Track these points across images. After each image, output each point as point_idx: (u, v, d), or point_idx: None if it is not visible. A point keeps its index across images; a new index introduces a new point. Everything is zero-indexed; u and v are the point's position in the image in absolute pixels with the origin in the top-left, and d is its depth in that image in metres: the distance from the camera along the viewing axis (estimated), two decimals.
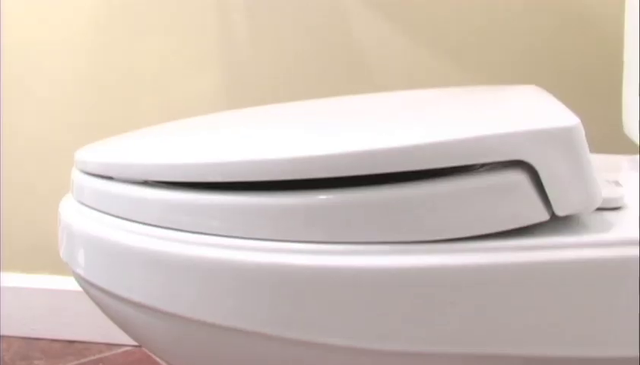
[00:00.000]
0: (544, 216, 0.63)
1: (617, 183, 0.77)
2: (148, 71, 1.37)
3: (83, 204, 0.81)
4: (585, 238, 0.64)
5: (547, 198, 0.63)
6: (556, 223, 0.65)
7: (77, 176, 0.82)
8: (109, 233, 0.75)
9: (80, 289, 0.84)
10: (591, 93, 1.27)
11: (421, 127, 0.70)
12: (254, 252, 0.65)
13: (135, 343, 1.21)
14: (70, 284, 1.47)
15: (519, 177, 0.62)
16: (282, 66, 1.34)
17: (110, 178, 0.76)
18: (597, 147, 1.23)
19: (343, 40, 1.31)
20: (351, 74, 1.32)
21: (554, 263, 0.62)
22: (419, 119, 0.76)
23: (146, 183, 0.73)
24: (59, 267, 1.49)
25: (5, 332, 1.54)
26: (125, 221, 0.74)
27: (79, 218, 0.80)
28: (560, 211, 0.64)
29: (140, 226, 0.72)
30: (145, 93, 1.37)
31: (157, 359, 0.83)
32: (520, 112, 0.74)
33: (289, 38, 1.33)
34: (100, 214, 0.77)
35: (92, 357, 1.44)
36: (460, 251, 0.62)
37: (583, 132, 0.65)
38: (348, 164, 0.62)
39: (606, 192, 0.70)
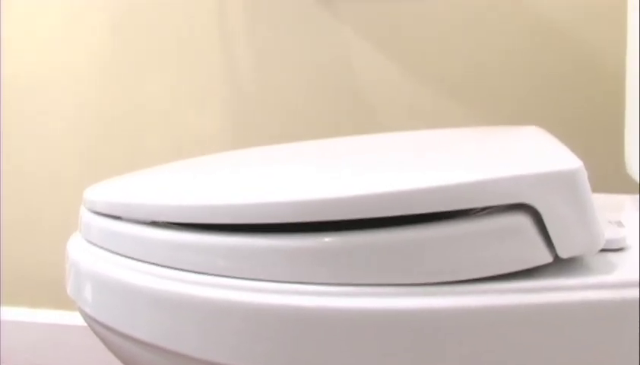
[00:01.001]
0: (547, 258, 0.64)
1: (620, 223, 0.78)
2: (154, 106, 1.38)
3: (90, 242, 0.81)
4: (588, 280, 0.64)
5: (550, 240, 0.64)
6: (560, 264, 0.66)
7: (85, 215, 0.83)
8: (116, 271, 0.75)
9: (84, 324, 0.84)
10: (593, 131, 1.28)
11: (424, 170, 0.71)
12: (259, 293, 0.66)
13: None
14: (74, 319, 1.47)
15: (522, 220, 0.63)
16: (287, 104, 1.35)
17: (118, 218, 0.77)
18: (599, 185, 1.24)
19: (348, 79, 1.33)
20: (356, 113, 1.33)
21: (557, 305, 0.63)
22: (422, 161, 0.77)
23: (153, 223, 0.74)
24: (64, 302, 1.50)
25: None
26: (131, 260, 0.75)
27: (86, 256, 0.80)
28: (563, 254, 0.64)
29: (147, 265, 0.73)
30: (151, 128, 1.39)
31: None
32: (522, 154, 0.75)
33: (295, 76, 1.34)
34: (108, 252, 0.78)
35: None
36: (464, 293, 0.63)
37: (585, 175, 0.65)
38: (353, 208, 0.63)
39: (608, 233, 0.70)
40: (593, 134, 1.28)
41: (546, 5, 1.27)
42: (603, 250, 0.68)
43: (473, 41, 1.29)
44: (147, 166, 1.39)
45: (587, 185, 0.65)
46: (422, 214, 0.63)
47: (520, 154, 0.75)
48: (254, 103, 1.36)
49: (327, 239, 0.65)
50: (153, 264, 0.73)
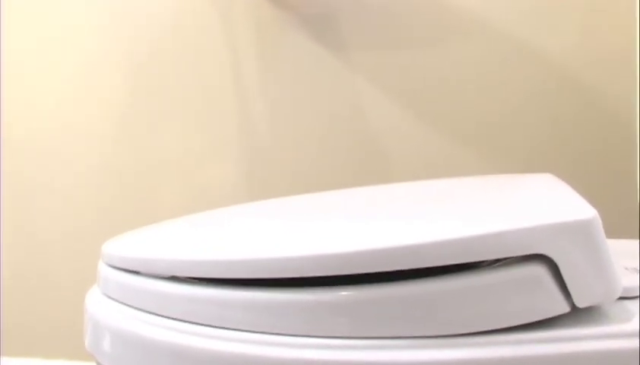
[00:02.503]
0: (565, 308, 0.64)
1: (636, 270, 0.78)
2: (168, 159, 1.40)
3: (109, 296, 0.82)
4: (606, 329, 0.64)
5: (567, 290, 0.64)
6: (577, 314, 0.66)
7: (103, 269, 0.84)
8: (135, 326, 0.76)
9: None
10: (606, 175, 1.28)
11: (440, 222, 0.71)
12: (278, 347, 0.66)
13: None
14: None
15: (539, 271, 0.63)
16: (301, 154, 1.36)
17: (136, 272, 0.78)
18: (614, 230, 1.24)
19: (361, 129, 1.34)
20: (369, 163, 1.34)
21: (576, 355, 0.63)
22: (437, 212, 0.78)
23: (172, 278, 0.74)
24: (79, 353, 1.50)
25: None
26: (150, 315, 0.75)
27: (105, 311, 0.81)
28: (581, 303, 0.64)
29: (166, 320, 0.73)
30: (165, 180, 1.40)
31: None
32: (536, 204, 0.75)
33: (308, 127, 1.35)
34: (126, 307, 0.78)
35: None
36: (482, 345, 0.63)
37: (600, 223, 0.66)
38: (370, 262, 0.63)
39: (626, 281, 0.70)
40: (606, 179, 1.28)
41: (557, 52, 1.28)
42: (621, 298, 0.68)
43: (484, 89, 1.31)
44: (162, 219, 1.40)
45: (602, 234, 0.65)
46: (439, 266, 0.64)
47: (534, 204, 0.75)
48: (268, 153, 1.37)
49: (344, 293, 0.65)
50: (172, 318, 0.73)
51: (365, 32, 1.33)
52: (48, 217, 1.45)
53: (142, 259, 0.77)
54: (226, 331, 0.69)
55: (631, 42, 1.26)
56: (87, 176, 1.43)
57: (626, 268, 0.78)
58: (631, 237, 1.24)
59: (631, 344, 0.63)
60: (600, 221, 0.65)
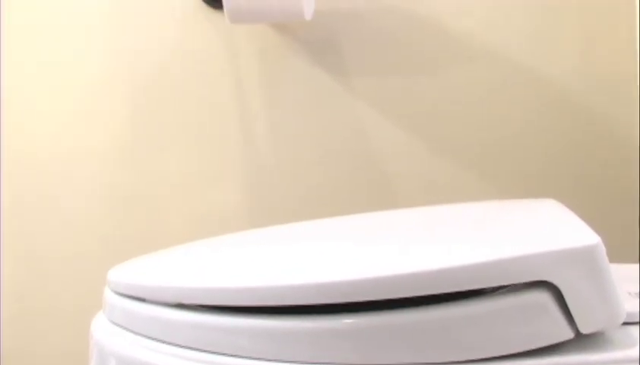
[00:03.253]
0: (569, 334, 0.64)
1: (637, 295, 0.78)
2: (172, 183, 1.40)
3: (115, 323, 0.82)
4: (611, 355, 0.65)
5: (571, 316, 0.64)
6: (581, 339, 0.66)
7: (109, 296, 0.84)
8: (141, 353, 0.76)
9: None
10: (609, 199, 1.29)
11: (445, 249, 0.72)
12: None
13: None
14: None
15: (543, 297, 0.64)
16: (305, 178, 1.37)
17: (142, 299, 0.78)
18: (617, 255, 1.25)
19: (364, 153, 1.35)
20: (372, 187, 1.35)
21: None
22: (441, 239, 0.78)
23: (178, 306, 0.75)
24: None
25: None
26: (156, 342, 0.76)
27: (110, 337, 0.81)
28: (585, 329, 0.65)
29: (172, 347, 0.74)
30: (170, 205, 1.40)
31: None
32: (540, 230, 0.76)
33: (312, 151, 1.36)
34: (132, 333, 0.79)
35: None
36: None
37: (604, 250, 0.66)
38: (375, 289, 0.64)
39: (629, 306, 0.71)
40: (609, 203, 1.29)
41: (559, 77, 1.29)
42: (625, 323, 0.69)
43: (486, 113, 1.31)
44: (166, 243, 1.40)
45: (605, 260, 0.66)
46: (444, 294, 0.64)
47: (537, 230, 0.76)
48: (271, 177, 1.38)
49: (348, 321, 0.65)
50: (178, 345, 0.73)
51: (366, 56, 1.34)
52: (51, 242, 1.46)
53: (148, 286, 0.78)
54: (231, 358, 0.69)
55: (631, 65, 1.27)
56: (91, 200, 1.43)
57: (630, 293, 0.79)
58: (632, 261, 1.24)
59: None
60: (603, 248, 0.66)
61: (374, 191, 1.35)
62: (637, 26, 1.24)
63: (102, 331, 0.83)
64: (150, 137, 1.40)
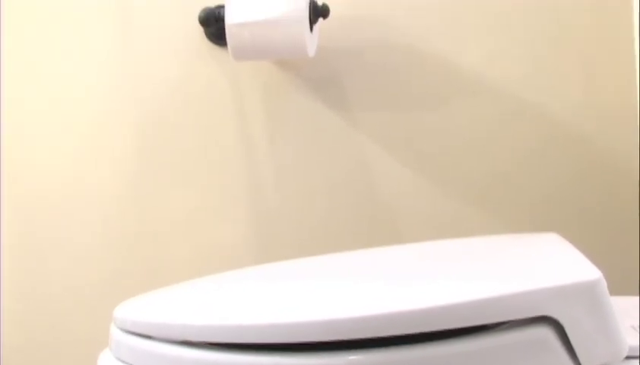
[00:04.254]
0: None
1: (637, 328, 0.79)
2: (177, 219, 1.41)
3: (121, 360, 0.83)
4: None
5: (574, 351, 0.65)
6: None
7: (115, 333, 0.85)
8: None
9: None
10: (609, 231, 1.29)
11: (447, 286, 0.72)
12: None
13: None
14: None
15: (545, 333, 0.64)
16: (308, 214, 1.37)
17: (148, 337, 0.79)
18: (619, 287, 1.25)
19: (367, 188, 1.36)
20: (375, 222, 1.36)
21: None
22: (443, 275, 0.79)
23: (183, 343, 0.75)
24: None
25: None
26: None
27: None
28: (587, 364, 0.65)
29: None
30: (175, 241, 1.41)
31: None
32: (542, 265, 0.76)
33: (315, 187, 1.37)
34: None
35: None
36: None
37: (605, 285, 0.67)
38: (376, 327, 0.65)
39: (631, 340, 0.71)
40: (610, 235, 1.29)
41: (560, 111, 1.30)
42: (628, 357, 0.69)
43: (488, 148, 1.32)
44: (172, 279, 1.41)
45: (607, 295, 0.66)
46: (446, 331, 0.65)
47: (540, 266, 0.76)
48: (276, 213, 1.38)
49: (354, 357, 0.66)
50: None
51: (369, 92, 1.35)
52: (57, 279, 1.46)
53: (154, 324, 0.78)
54: None
55: (632, 98, 1.28)
56: (96, 236, 1.44)
57: (632, 327, 0.79)
58: (633, 293, 1.24)
59: None
60: (604, 282, 0.67)
61: (377, 225, 1.36)
62: (636, 59, 1.25)
63: None
64: (155, 173, 1.41)
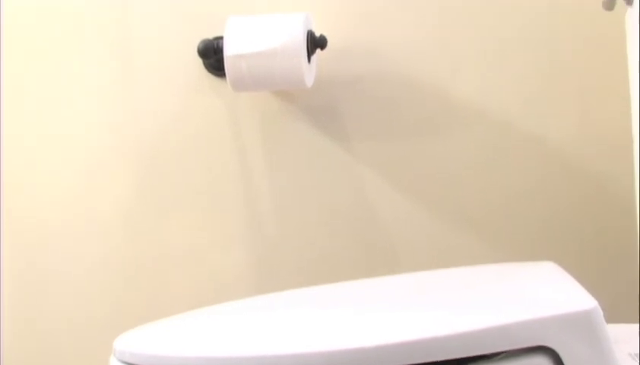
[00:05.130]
0: None
1: (637, 356, 0.79)
2: (177, 250, 1.41)
3: None
4: None
5: None
6: None
7: None
8: None
9: None
10: (608, 259, 1.30)
11: (445, 315, 0.73)
12: None
13: None
14: None
15: (542, 362, 0.64)
16: (307, 243, 1.38)
17: None
18: (615, 314, 1.25)
19: (366, 217, 1.36)
20: (375, 251, 1.36)
21: None
22: (441, 305, 0.79)
23: None
24: None
25: None
26: None
27: None
28: None
29: None
30: (174, 271, 1.41)
31: None
32: (539, 295, 0.77)
33: (314, 216, 1.37)
34: None
35: None
36: None
37: (601, 314, 0.67)
38: (377, 357, 0.65)
39: None
40: (609, 262, 1.30)
41: (556, 140, 1.31)
42: None
43: (486, 177, 1.33)
44: (172, 310, 1.41)
45: (603, 324, 0.67)
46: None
47: (536, 295, 0.77)
48: (275, 244, 1.39)
49: None
50: None
51: (366, 122, 1.36)
52: (57, 311, 1.46)
53: (153, 356, 0.78)
54: None
55: (626, 128, 1.29)
56: (96, 267, 1.44)
57: (630, 354, 0.79)
58: (632, 321, 1.24)
59: None
60: (600, 312, 0.67)
61: (376, 254, 1.36)
62: (630, 88, 1.27)
63: None
64: (154, 203, 1.42)
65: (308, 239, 1.38)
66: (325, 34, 1.35)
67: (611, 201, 1.30)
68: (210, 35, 1.37)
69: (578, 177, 1.31)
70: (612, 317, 1.05)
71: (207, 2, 1.37)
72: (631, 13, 1.03)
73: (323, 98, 1.36)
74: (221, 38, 1.35)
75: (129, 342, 0.85)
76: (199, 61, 1.38)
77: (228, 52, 1.24)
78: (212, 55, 1.33)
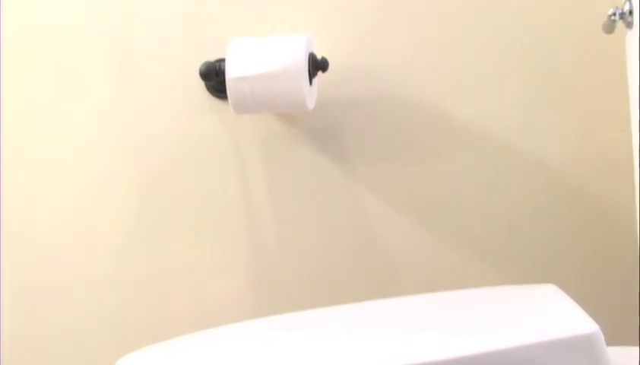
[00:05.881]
0: None
1: None
2: (178, 272, 1.41)
3: None
4: None
5: None
6: None
7: None
8: None
9: None
10: (608, 281, 1.30)
11: (445, 339, 0.73)
12: None
13: None
14: None
15: None
16: (308, 266, 1.38)
17: None
18: (616, 336, 1.25)
19: (367, 240, 1.36)
20: (376, 274, 1.36)
21: None
22: (442, 329, 0.79)
23: None
24: None
25: None
26: None
27: None
28: None
29: None
30: (175, 293, 1.41)
31: None
32: (540, 319, 0.77)
33: (315, 240, 1.37)
34: None
35: None
36: None
37: (602, 338, 0.67)
38: None
39: None
40: (609, 284, 1.29)
41: (557, 163, 1.31)
42: None
43: (487, 201, 1.33)
44: (173, 332, 1.40)
45: (604, 348, 0.67)
46: None
47: (537, 319, 0.77)
48: (275, 266, 1.39)
49: None
50: None
51: (368, 144, 1.36)
52: (58, 333, 1.46)
53: None
54: None
55: (627, 149, 1.29)
56: (97, 289, 1.44)
57: None
58: (632, 343, 1.24)
59: None
60: (601, 336, 0.67)
61: (376, 276, 1.36)
62: (630, 109, 1.27)
63: None
64: (155, 224, 1.42)
65: (309, 262, 1.38)
66: (327, 56, 1.36)
67: (612, 223, 1.30)
68: (212, 57, 1.38)
69: (578, 199, 1.31)
70: (612, 339, 1.05)
71: (209, 24, 1.38)
72: (630, 36, 1.04)
73: (324, 120, 1.36)
74: (223, 60, 1.35)
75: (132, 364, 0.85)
76: (201, 83, 1.39)
77: (230, 74, 1.25)
78: (214, 78, 1.33)
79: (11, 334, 1.46)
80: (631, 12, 1.02)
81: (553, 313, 0.78)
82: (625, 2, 1.03)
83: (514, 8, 1.31)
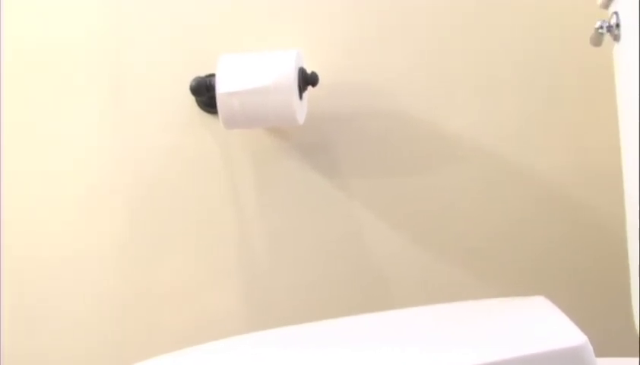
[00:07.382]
0: None
1: None
2: (170, 287, 1.41)
3: None
4: None
5: None
6: None
7: None
8: None
9: None
10: (598, 292, 1.30)
11: (432, 352, 0.73)
12: None
13: None
14: None
15: None
16: (301, 281, 1.38)
17: None
18: (606, 347, 1.25)
19: (360, 254, 1.36)
20: (369, 287, 1.36)
21: None
22: (432, 342, 0.79)
23: None
24: None
25: None
26: None
27: None
28: None
29: None
30: (168, 308, 1.41)
31: None
32: (528, 331, 0.77)
33: (308, 254, 1.38)
34: None
35: None
36: None
37: (591, 350, 0.67)
38: None
39: None
40: (598, 295, 1.30)
41: (548, 174, 1.32)
42: None
43: (478, 213, 1.33)
44: (165, 346, 1.40)
45: (593, 360, 0.67)
46: None
47: (526, 331, 0.77)
48: (267, 280, 1.39)
49: None
50: None
51: (359, 158, 1.37)
52: (52, 347, 1.45)
53: None
54: None
55: (619, 159, 1.30)
56: (89, 304, 1.43)
57: None
58: (632, 355, 1.24)
59: None
60: (590, 348, 0.67)
61: (369, 290, 1.36)
62: (620, 122, 1.28)
63: None
64: (147, 240, 1.42)
65: (301, 276, 1.38)
66: (316, 71, 1.36)
67: (602, 235, 1.30)
68: (203, 72, 1.39)
69: (569, 211, 1.32)
70: (602, 351, 1.05)
71: (199, 40, 1.39)
72: (618, 49, 1.05)
73: (315, 135, 1.37)
74: (213, 75, 1.36)
75: None
76: (191, 98, 1.39)
77: (220, 89, 1.25)
78: (204, 93, 1.34)
79: (9, 345, 1.45)
80: (618, 25, 1.02)
81: (542, 325, 0.78)
82: (612, 15, 1.04)
83: (505, 22, 1.32)
